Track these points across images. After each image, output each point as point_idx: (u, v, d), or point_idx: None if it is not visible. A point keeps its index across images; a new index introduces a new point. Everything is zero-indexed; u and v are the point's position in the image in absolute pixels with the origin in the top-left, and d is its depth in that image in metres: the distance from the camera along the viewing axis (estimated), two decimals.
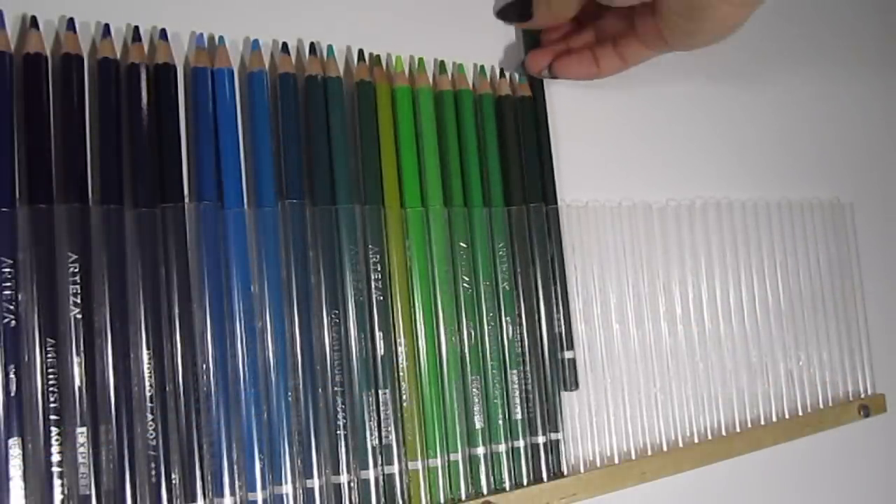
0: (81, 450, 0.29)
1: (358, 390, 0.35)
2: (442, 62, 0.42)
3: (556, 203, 0.44)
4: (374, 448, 0.35)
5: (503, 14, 0.45)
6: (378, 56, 0.40)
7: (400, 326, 0.37)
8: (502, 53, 0.45)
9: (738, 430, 0.51)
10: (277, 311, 0.34)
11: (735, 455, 0.49)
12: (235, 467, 0.32)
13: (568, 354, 0.43)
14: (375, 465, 0.35)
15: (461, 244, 0.40)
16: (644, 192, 0.50)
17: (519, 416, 0.40)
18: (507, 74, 0.45)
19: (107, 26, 0.32)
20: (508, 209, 0.42)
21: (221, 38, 0.35)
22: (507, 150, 0.43)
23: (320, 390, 0.35)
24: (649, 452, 0.46)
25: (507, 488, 0.39)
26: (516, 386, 0.40)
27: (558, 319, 0.43)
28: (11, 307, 0.28)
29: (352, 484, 0.35)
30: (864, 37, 0.69)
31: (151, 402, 0.30)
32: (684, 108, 0.54)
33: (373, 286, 0.37)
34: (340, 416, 0.35)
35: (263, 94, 0.35)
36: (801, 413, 0.54)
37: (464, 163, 0.41)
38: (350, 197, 0.37)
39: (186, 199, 0.33)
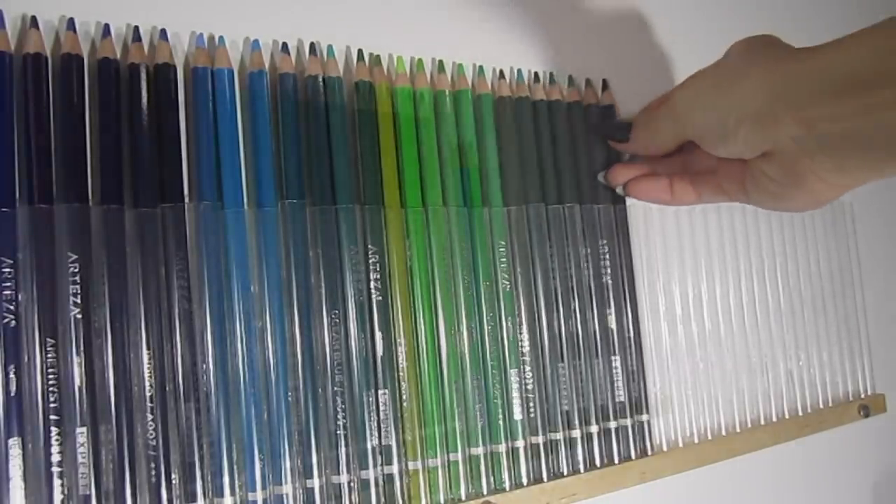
0: (81, 450, 0.29)
1: (358, 390, 0.35)
2: (441, 62, 0.42)
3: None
4: (373, 448, 0.35)
5: (600, 129, 0.46)
6: (378, 56, 0.40)
7: (400, 326, 0.37)
8: (507, 53, 0.45)
9: (738, 430, 0.51)
10: (277, 311, 0.34)
11: (735, 455, 0.49)
12: (235, 467, 0.32)
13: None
14: (375, 465, 0.35)
15: (461, 244, 0.40)
16: None
17: (519, 417, 0.40)
18: (509, 74, 0.45)
19: (107, 26, 0.32)
20: (508, 209, 0.42)
21: (221, 38, 0.35)
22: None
23: (320, 390, 0.35)
24: (650, 452, 0.46)
25: (507, 488, 0.39)
26: (516, 386, 0.40)
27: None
28: (11, 307, 0.28)
29: (352, 484, 0.35)
30: None
31: (151, 402, 0.30)
32: None
33: (373, 286, 0.37)
34: (340, 416, 0.35)
35: (263, 94, 0.35)
36: (801, 413, 0.54)
37: (463, 161, 0.41)
38: (350, 197, 0.37)
39: (186, 199, 0.33)
